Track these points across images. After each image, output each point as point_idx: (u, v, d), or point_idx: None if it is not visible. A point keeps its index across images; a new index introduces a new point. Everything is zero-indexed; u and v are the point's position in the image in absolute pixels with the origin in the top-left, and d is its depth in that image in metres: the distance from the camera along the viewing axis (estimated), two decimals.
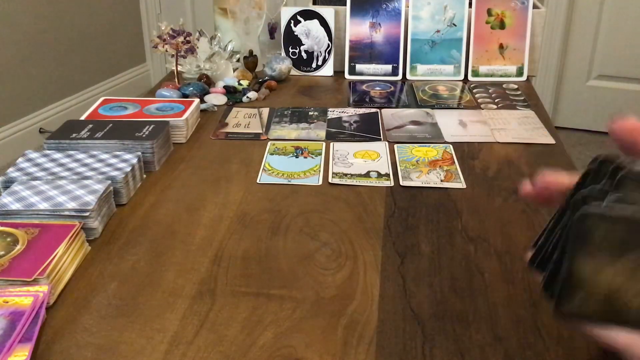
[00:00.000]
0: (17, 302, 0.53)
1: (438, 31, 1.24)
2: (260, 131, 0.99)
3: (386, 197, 0.77)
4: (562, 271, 0.39)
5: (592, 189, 0.40)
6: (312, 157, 0.88)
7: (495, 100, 1.12)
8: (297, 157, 0.89)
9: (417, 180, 0.81)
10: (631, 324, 0.38)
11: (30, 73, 2.66)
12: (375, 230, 0.69)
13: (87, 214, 0.66)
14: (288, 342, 0.52)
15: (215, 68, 1.20)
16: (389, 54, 1.25)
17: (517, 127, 0.99)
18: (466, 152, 0.90)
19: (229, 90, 1.15)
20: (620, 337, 0.38)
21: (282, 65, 1.22)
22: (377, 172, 0.84)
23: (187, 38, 1.13)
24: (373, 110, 1.08)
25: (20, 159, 0.79)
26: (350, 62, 1.27)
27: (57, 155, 0.80)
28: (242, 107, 1.11)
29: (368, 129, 0.99)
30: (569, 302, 0.39)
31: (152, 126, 0.87)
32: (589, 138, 2.72)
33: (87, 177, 0.74)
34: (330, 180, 0.81)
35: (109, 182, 0.72)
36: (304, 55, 1.29)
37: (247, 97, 1.13)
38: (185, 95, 1.09)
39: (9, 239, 0.61)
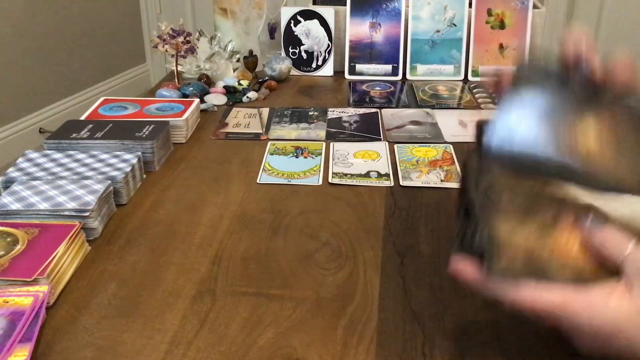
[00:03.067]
0: (17, 302, 0.53)
1: (438, 31, 1.24)
2: (260, 131, 0.99)
3: (386, 197, 0.77)
4: (482, 239, 0.44)
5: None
6: (312, 157, 0.88)
7: (495, 101, 1.12)
8: (297, 157, 0.89)
9: (417, 180, 0.81)
10: (554, 279, 0.42)
11: (30, 73, 2.66)
12: (375, 230, 0.69)
13: (87, 214, 0.66)
14: (288, 342, 0.52)
15: (215, 68, 1.20)
16: (389, 54, 1.25)
17: None
18: (466, 152, 0.90)
19: (229, 90, 1.15)
20: (555, 292, 0.41)
21: (282, 65, 1.22)
22: (377, 172, 0.84)
23: (187, 38, 1.13)
24: (373, 110, 1.08)
25: (20, 159, 0.79)
26: (350, 62, 1.27)
27: (57, 155, 0.80)
28: (242, 107, 1.11)
29: (368, 129, 0.99)
30: (498, 264, 0.43)
31: (152, 126, 0.87)
32: None
33: (87, 177, 0.74)
34: (330, 180, 0.81)
35: (109, 182, 0.72)
36: (304, 55, 1.29)
37: (247, 97, 1.13)
38: (185, 95, 1.09)
39: (9, 239, 0.61)
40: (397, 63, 1.25)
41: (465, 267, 0.44)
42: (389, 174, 0.83)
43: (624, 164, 0.46)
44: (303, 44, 1.28)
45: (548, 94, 0.49)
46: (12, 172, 0.76)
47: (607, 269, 0.42)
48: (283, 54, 1.29)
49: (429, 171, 0.84)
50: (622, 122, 0.47)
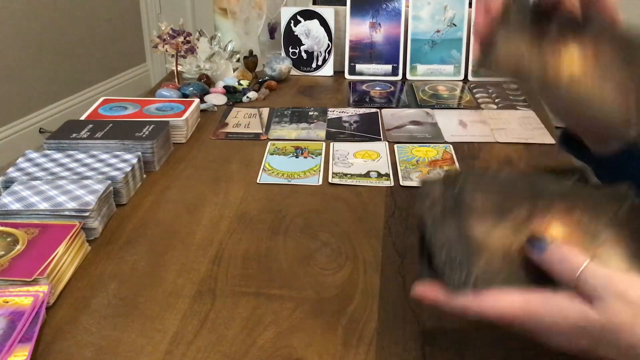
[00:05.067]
0: (17, 302, 0.53)
1: (438, 31, 1.24)
2: (260, 131, 0.99)
3: (386, 197, 0.77)
4: (459, 242, 0.44)
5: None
6: (312, 157, 0.88)
7: (495, 100, 1.12)
8: (297, 157, 0.89)
9: (417, 180, 0.81)
10: (533, 281, 0.43)
11: (30, 73, 2.66)
12: (375, 230, 0.69)
13: (87, 214, 0.66)
14: (288, 342, 0.52)
15: (215, 68, 1.20)
16: (389, 54, 1.25)
17: (517, 127, 0.99)
18: (466, 152, 0.90)
19: (229, 90, 1.15)
20: (516, 296, 0.42)
21: (282, 65, 1.22)
22: (377, 172, 0.84)
23: (187, 38, 1.13)
24: (373, 110, 1.08)
25: (20, 159, 0.79)
26: (350, 62, 1.27)
27: (57, 155, 0.80)
28: (242, 107, 1.11)
29: (368, 129, 0.99)
30: (477, 265, 0.43)
31: (152, 126, 0.87)
32: None
33: (87, 177, 0.74)
34: (330, 180, 0.81)
35: (109, 182, 0.72)
36: (304, 55, 1.29)
37: (247, 97, 1.13)
38: (185, 95, 1.09)
39: (9, 239, 0.61)
40: (397, 63, 1.25)
41: (428, 288, 0.44)
42: (389, 174, 0.83)
43: (607, 88, 0.47)
44: (303, 44, 1.28)
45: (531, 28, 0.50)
46: (12, 172, 0.76)
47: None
48: (283, 54, 1.29)
49: (429, 171, 0.83)
50: (606, 50, 0.49)
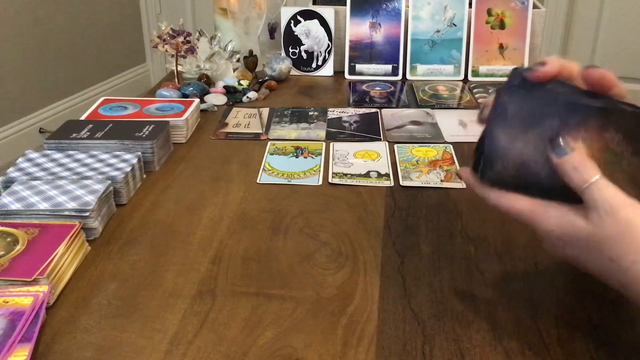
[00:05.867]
0: (17, 302, 0.53)
1: (438, 31, 1.24)
2: (260, 131, 0.99)
3: (386, 197, 0.77)
4: (485, 145, 0.50)
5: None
6: (312, 157, 0.88)
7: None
8: (297, 157, 0.89)
9: (417, 180, 0.81)
10: (539, 193, 0.49)
11: (30, 73, 2.66)
12: (375, 230, 0.69)
13: (87, 214, 0.66)
14: (288, 342, 0.52)
15: (215, 68, 1.20)
16: (389, 54, 1.25)
17: None
18: (466, 152, 0.90)
19: (229, 90, 1.15)
20: (525, 202, 0.49)
21: (282, 65, 1.22)
22: (377, 172, 0.84)
23: (187, 38, 1.13)
24: (373, 110, 1.08)
25: (20, 159, 0.79)
26: (350, 62, 1.27)
27: (57, 155, 0.80)
28: (242, 107, 1.11)
29: (368, 129, 0.99)
30: (492, 169, 0.50)
31: (152, 126, 0.87)
32: None
33: (87, 177, 0.74)
34: (330, 180, 0.81)
35: (109, 182, 0.72)
36: (304, 55, 1.29)
37: (247, 97, 1.13)
38: (185, 95, 1.09)
39: (9, 239, 0.61)
40: (397, 63, 1.25)
41: (465, 171, 0.53)
42: (389, 174, 0.83)
43: (620, 178, 0.47)
44: (303, 44, 1.28)
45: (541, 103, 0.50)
46: (12, 172, 0.76)
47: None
48: (283, 54, 1.29)
49: (429, 171, 0.84)
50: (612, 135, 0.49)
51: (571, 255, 0.48)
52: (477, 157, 0.52)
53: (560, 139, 0.47)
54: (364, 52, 1.26)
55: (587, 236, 0.45)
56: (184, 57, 1.16)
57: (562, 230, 0.47)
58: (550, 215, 0.48)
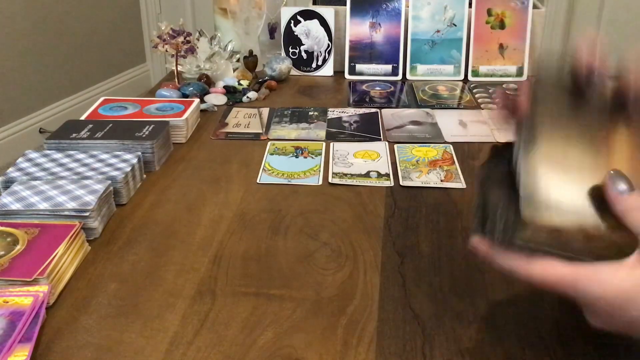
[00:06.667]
0: (17, 302, 0.53)
1: (438, 31, 1.24)
2: (260, 131, 0.99)
3: (386, 197, 0.77)
4: (513, 209, 0.44)
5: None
6: (312, 157, 0.88)
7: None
8: (297, 157, 0.89)
9: (417, 180, 0.81)
10: (569, 257, 0.42)
11: (30, 73, 2.66)
12: (375, 230, 0.69)
13: (87, 214, 0.66)
14: (288, 342, 0.52)
15: (215, 68, 1.20)
16: (389, 54, 1.25)
17: None
18: (466, 152, 0.90)
19: (229, 90, 1.15)
20: (564, 267, 0.42)
21: (282, 65, 1.22)
22: (377, 172, 0.84)
23: (187, 38, 1.13)
24: (373, 110, 1.08)
25: (20, 159, 0.79)
26: (350, 62, 1.27)
27: (57, 155, 0.80)
28: (242, 107, 1.11)
29: (368, 129, 0.99)
30: (523, 232, 0.43)
31: (152, 126, 0.87)
32: None
33: (87, 177, 0.74)
34: (330, 180, 0.81)
35: (109, 182, 0.72)
36: (304, 55, 1.29)
37: (247, 97, 1.13)
38: (185, 95, 1.09)
39: (9, 239, 0.61)
40: (397, 63, 1.25)
41: (482, 242, 0.45)
42: (389, 174, 0.83)
43: None
44: (303, 44, 1.28)
45: (568, 113, 0.47)
46: (12, 172, 0.76)
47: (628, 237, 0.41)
48: (283, 54, 1.29)
49: (429, 171, 0.83)
50: None
51: (629, 319, 0.40)
52: (484, 217, 0.46)
53: (623, 178, 0.42)
54: (364, 52, 1.26)
55: None
56: (184, 57, 1.16)
57: (621, 287, 0.39)
58: (600, 275, 0.40)
